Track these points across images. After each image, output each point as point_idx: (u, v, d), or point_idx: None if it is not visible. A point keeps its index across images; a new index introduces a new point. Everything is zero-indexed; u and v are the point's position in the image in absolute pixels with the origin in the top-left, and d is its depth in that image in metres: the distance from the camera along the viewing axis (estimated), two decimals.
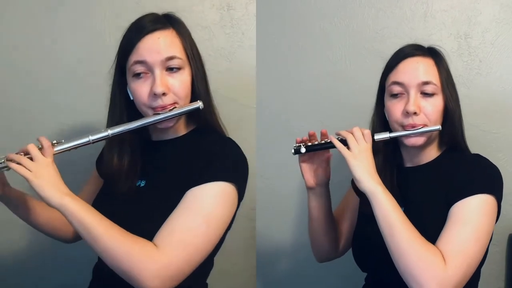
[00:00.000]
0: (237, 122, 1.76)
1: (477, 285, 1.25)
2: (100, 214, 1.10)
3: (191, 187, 1.13)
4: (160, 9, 1.69)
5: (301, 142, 1.30)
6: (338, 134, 1.26)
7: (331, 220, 1.41)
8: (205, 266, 1.20)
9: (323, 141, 1.29)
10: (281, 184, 1.82)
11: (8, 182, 1.26)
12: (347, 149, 1.21)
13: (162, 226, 1.10)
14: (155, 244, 1.08)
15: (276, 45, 1.80)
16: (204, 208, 1.11)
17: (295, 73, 1.80)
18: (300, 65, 1.79)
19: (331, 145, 1.26)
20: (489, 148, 1.62)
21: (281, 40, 1.80)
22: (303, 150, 1.29)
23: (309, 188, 1.36)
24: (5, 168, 1.14)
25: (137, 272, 1.04)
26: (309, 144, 1.30)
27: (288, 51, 1.80)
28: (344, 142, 1.23)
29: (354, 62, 1.74)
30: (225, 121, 1.74)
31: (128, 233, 1.08)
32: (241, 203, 1.78)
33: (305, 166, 1.33)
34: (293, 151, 1.30)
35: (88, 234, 1.07)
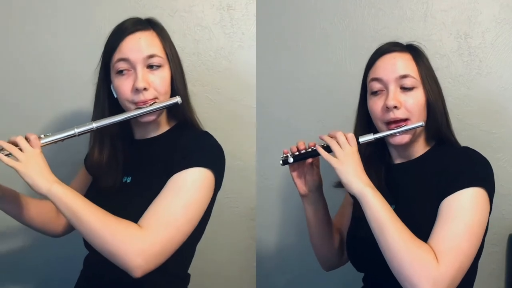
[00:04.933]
0: (237, 122, 1.76)
1: (473, 282, 1.24)
2: (87, 200, 1.17)
3: (173, 173, 1.21)
4: (160, 9, 1.71)
5: (288, 152, 1.32)
6: (321, 139, 1.27)
7: (330, 226, 1.42)
8: (187, 254, 1.31)
9: (309, 149, 1.30)
10: (281, 184, 1.82)
11: None
12: (331, 156, 1.21)
13: (147, 209, 1.18)
14: (139, 225, 1.15)
15: (276, 45, 1.80)
16: (184, 191, 1.19)
17: (295, 73, 1.80)
18: (300, 65, 1.79)
19: (317, 152, 1.27)
20: (489, 148, 1.62)
21: (281, 40, 1.80)
22: (290, 160, 1.31)
23: (302, 196, 1.37)
24: None
25: (122, 251, 1.11)
26: (296, 153, 1.31)
27: (288, 51, 1.80)
28: (330, 148, 1.24)
29: (354, 62, 1.74)
30: (225, 121, 1.75)
31: (114, 216, 1.15)
32: (241, 203, 1.79)
33: (295, 175, 1.35)
34: (281, 162, 1.32)
35: (75, 217, 1.13)
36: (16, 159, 1.15)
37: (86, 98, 1.68)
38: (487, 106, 1.65)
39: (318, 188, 1.36)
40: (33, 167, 1.15)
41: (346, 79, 1.74)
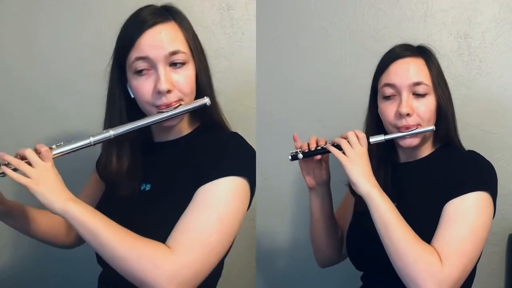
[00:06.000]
0: (237, 122, 1.76)
1: (472, 282, 1.25)
2: (107, 218, 1.04)
3: (202, 184, 1.07)
4: None
5: (298, 148, 1.32)
6: (333, 142, 1.27)
7: (333, 221, 1.42)
8: (216, 269, 1.12)
9: (319, 147, 1.30)
10: (281, 184, 1.82)
11: (3, 189, 1.20)
12: (342, 154, 1.21)
13: (175, 226, 1.05)
14: (168, 246, 1.02)
15: (276, 45, 1.80)
16: (217, 205, 1.06)
17: (295, 73, 1.80)
18: (300, 65, 1.79)
19: (327, 150, 1.27)
20: (489, 148, 1.62)
21: (281, 40, 1.80)
22: (300, 156, 1.30)
23: (310, 189, 1.37)
24: (1, 175, 1.07)
25: (151, 276, 0.98)
26: (306, 150, 1.31)
27: (288, 51, 1.80)
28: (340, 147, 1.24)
29: (354, 62, 1.74)
30: None
31: (138, 236, 1.03)
32: None
33: (304, 167, 1.35)
34: (290, 157, 1.31)
35: (95, 240, 1.01)
36: (27, 176, 1.03)
37: (86, 97, 1.68)
38: (487, 106, 1.65)
39: (326, 183, 1.36)
40: (45, 184, 1.02)
41: (346, 79, 1.75)
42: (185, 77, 1.13)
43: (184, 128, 1.21)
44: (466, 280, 1.15)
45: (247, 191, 1.12)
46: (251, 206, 1.77)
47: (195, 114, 1.19)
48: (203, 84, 1.17)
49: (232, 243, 1.15)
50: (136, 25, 1.12)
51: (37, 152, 1.07)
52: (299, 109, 1.80)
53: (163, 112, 1.11)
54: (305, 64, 1.78)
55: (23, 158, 1.06)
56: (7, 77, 1.70)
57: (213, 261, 1.05)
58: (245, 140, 1.17)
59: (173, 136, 1.21)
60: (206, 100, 1.13)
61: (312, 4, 1.77)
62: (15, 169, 1.05)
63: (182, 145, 1.19)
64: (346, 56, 1.75)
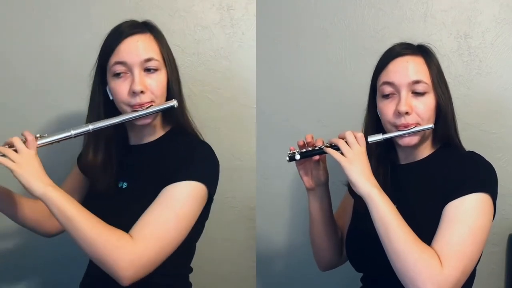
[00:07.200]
0: (237, 122, 1.76)
1: (472, 283, 1.25)
2: (81, 206, 1.17)
3: (167, 185, 1.21)
4: (160, 9, 1.71)
5: (294, 149, 1.31)
6: (330, 142, 1.26)
7: (332, 222, 1.42)
8: (187, 252, 1.34)
9: (316, 147, 1.29)
10: (281, 184, 1.82)
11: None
12: (340, 154, 1.20)
13: (139, 219, 1.19)
14: (130, 236, 1.16)
15: (276, 45, 1.80)
16: (176, 205, 1.20)
17: (295, 73, 1.80)
18: (300, 65, 1.79)
19: (325, 152, 1.26)
20: (489, 148, 1.62)
21: (281, 40, 1.80)
22: (297, 157, 1.30)
23: (308, 190, 1.37)
24: None
25: (113, 261, 1.13)
26: (303, 150, 1.30)
27: (288, 51, 1.80)
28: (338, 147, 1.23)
29: (354, 62, 1.74)
30: (225, 121, 1.75)
31: (106, 224, 1.16)
32: (241, 203, 1.78)
33: (302, 169, 1.35)
34: (287, 158, 1.31)
35: (69, 223, 1.14)
36: (11, 160, 1.15)
37: (85, 98, 1.68)
38: (487, 106, 1.65)
39: (324, 183, 1.36)
40: (28, 169, 1.15)
41: (346, 79, 1.75)
42: (156, 82, 1.27)
43: (156, 132, 1.34)
44: (466, 281, 1.15)
45: (204, 196, 1.25)
46: (251, 206, 1.78)
47: (165, 119, 1.34)
48: (173, 90, 1.30)
49: (202, 230, 1.34)
50: (116, 35, 1.28)
51: (24, 138, 1.20)
52: (299, 109, 1.80)
53: (137, 111, 1.25)
54: (305, 64, 1.78)
55: (10, 145, 1.19)
56: (9, 75, 1.70)
57: (167, 252, 1.20)
58: (212, 151, 1.30)
59: (146, 139, 1.34)
60: (174, 102, 1.27)
61: (312, 4, 1.77)
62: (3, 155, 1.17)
63: (154, 149, 1.33)
64: (346, 56, 1.75)
